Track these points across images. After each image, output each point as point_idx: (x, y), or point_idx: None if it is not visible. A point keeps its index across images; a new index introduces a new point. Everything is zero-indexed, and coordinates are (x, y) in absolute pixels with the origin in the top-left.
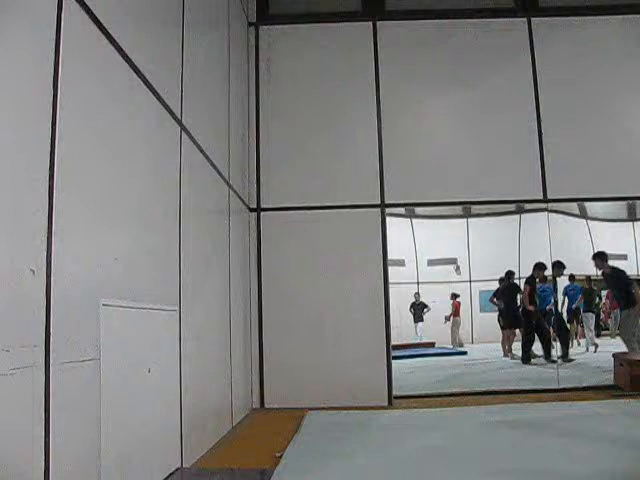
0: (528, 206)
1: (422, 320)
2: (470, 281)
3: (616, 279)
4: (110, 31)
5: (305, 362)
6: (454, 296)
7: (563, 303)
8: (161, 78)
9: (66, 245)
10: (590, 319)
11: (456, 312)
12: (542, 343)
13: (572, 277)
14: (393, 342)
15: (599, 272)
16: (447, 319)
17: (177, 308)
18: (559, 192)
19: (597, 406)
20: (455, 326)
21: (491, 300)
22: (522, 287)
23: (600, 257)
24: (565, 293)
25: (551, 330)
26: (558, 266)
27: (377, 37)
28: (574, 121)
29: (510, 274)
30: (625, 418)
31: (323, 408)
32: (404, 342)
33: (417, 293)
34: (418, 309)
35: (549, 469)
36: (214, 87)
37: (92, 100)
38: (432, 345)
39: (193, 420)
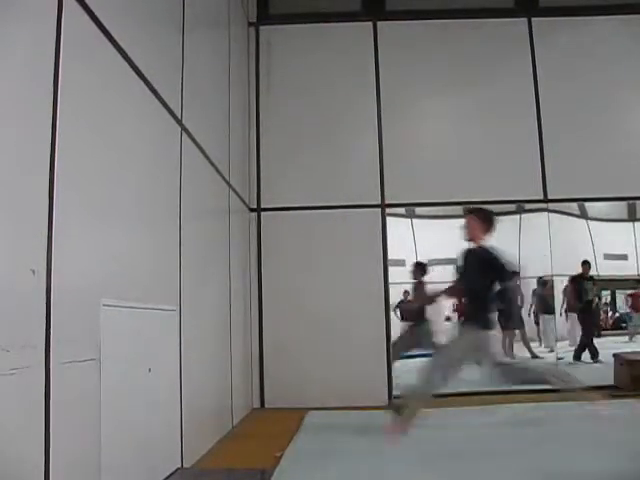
0: (528, 206)
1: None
2: None
3: None
4: (110, 31)
5: (305, 362)
6: None
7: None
8: (161, 78)
9: (66, 245)
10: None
11: (461, 312)
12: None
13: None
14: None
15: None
16: (448, 319)
17: (177, 308)
18: (559, 192)
19: (597, 406)
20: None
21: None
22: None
23: (418, 267)
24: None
25: None
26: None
27: (377, 37)
28: (574, 121)
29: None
30: (625, 418)
31: (323, 408)
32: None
33: (407, 291)
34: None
35: (549, 469)
36: (214, 87)
37: (92, 100)
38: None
39: (193, 420)
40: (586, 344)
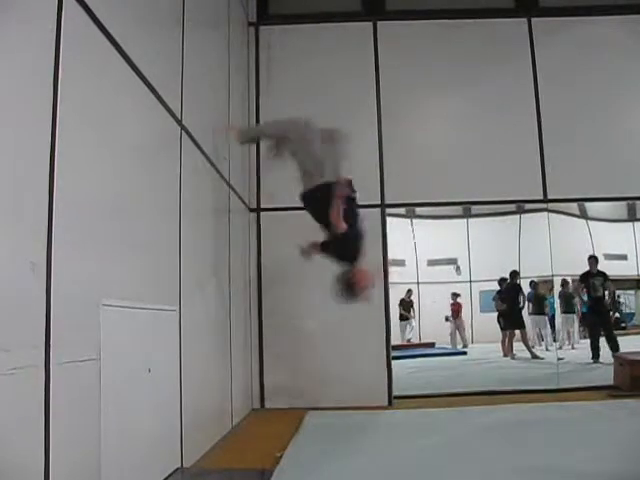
0: (528, 206)
1: (408, 319)
2: (470, 281)
3: None
4: (110, 31)
5: (305, 362)
6: (455, 296)
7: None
8: (161, 78)
9: (66, 245)
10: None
11: (457, 313)
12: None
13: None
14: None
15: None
16: (447, 319)
17: (177, 308)
18: (559, 192)
19: (597, 406)
20: (457, 327)
21: (494, 299)
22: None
23: None
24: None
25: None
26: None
27: (377, 37)
28: (574, 121)
29: (514, 274)
30: (625, 418)
31: (323, 408)
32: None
33: (410, 290)
34: (406, 307)
35: (549, 469)
36: (214, 87)
37: (92, 100)
38: (432, 345)
39: (193, 420)
40: (591, 341)
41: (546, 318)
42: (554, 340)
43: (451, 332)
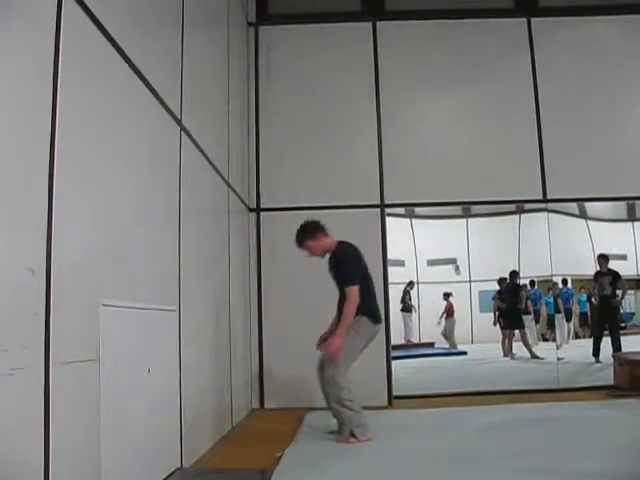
0: (528, 206)
1: (409, 311)
2: (470, 281)
3: None
4: (110, 31)
5: (305, 362)
6: (446, 295)
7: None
8: (161, 78)
9: (66, 245)
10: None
11: (449, 312)
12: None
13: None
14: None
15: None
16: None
17: (177, 308)
18: (559, 192)
19: (597, 406)
20: (450, 326)
21: (494, 298)
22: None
23: None
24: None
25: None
26: None
27: (377, 37)
28: (574, 121)
29: (514, 274)
30: (625, 418)
31: (323, 408)
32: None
33: (411, 281)
34: (408, 297)
35: (549, 469)
36: (214, 87)
37: (92, 100)
38: (432, 345)
39: (193, 420)
40: (594, 340)
41: (531, 317)
42: (541, 339)
43: (449, 332)
